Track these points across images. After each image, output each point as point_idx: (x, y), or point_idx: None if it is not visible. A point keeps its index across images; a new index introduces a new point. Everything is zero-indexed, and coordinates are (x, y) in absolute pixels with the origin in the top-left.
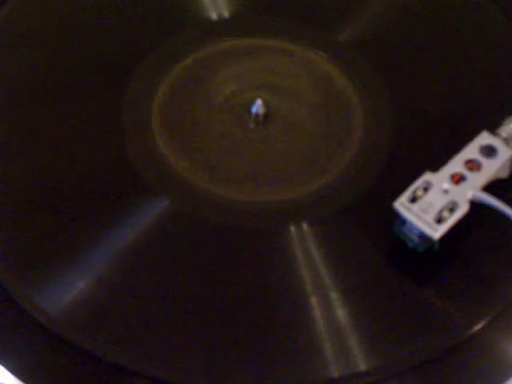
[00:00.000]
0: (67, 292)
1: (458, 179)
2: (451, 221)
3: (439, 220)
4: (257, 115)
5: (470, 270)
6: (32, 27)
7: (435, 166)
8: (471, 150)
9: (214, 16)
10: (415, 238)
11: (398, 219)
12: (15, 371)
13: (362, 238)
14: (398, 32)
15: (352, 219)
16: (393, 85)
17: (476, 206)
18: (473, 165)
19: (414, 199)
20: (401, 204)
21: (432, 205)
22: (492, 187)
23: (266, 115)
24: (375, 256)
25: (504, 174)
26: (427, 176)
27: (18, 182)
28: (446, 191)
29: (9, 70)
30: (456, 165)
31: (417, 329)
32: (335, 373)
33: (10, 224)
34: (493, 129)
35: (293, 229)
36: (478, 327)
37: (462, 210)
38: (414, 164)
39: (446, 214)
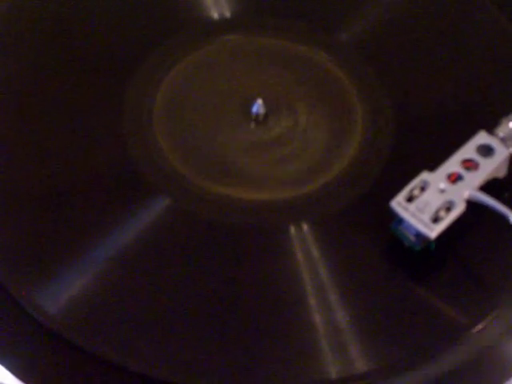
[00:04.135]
0: (67, 291)
1: (454, 179)
2: (448, 220)
3: (436, 219)
4: (257, 115)
5: (469, 270)
6: (32, 27)
7: (433, 166)
8: (468, 150)
9: (214, 16)
10: (412, 238)
11: (395, 218)
12: (15, 371)
13: (361, 238)
14: (398, 32)
15: (352, 219)
16: (392, 85)
17: (473, 206)
18: (470, 164)
19: (410, 198)
20: (398, 203)
21: (429, 204)
22: (489, 187)
23: (266, 115)
24: (375, 257)
25: (501, 174)
26: (424, 175)
27: (17, 182)
28: (442, 191)
29: (9, 70)
30: (453, 164)
31: (416, 329)
32: (333, 374)
33: (10, 224)
34: (490, 128)
35: (293, 229)
36: (477, 327)
37: (459, 209)
38: (414, 164)
39: (442, 213)
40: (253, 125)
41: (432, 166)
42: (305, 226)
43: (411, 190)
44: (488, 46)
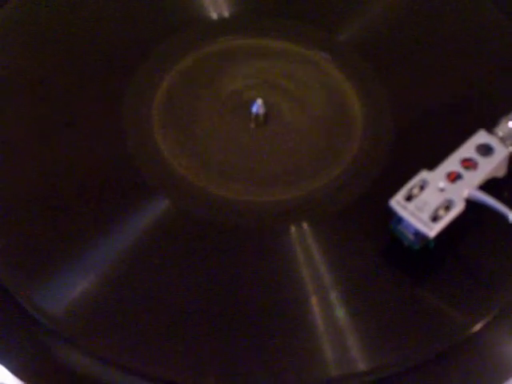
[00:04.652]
0: (67, 292)
1: (454, 178)
2: (447, 219)
3: (435, 218)
4: (257, 115)
5: (469, 270)
6: (32, 27)
7: (433, 165)
8: (468, 149)
9: (214, 16)
10: (411, 236)
11: (394, 217)
12: (15, 371)
13: (361, 238)
14: (397, 32)
15: (352, 219)
16: (392, 84)
17: (473, 205)
18: (469, 163)
19: (409, 197)
20: (397, 202)
21: (428, 203)
22: (489, 186)
23: (266, 115)
24: (375, 256)
25: (500, 173)
26: (423, 174)
27: (18, 182)
28: (441, 190)
29: (9, 70)
30: (452, 163)
31: (416, 329)
32: (334, 373)
33: (11, 224)
34: (489, 128)
35: (293, 229)
36: (477, 327)
37: (458, 208)
38: (414, 163)
39: (441, 212)
40: (253, 125)
41: (432, 166)
42: (305, 226)
43: (410, 189)
44: (488, 45)
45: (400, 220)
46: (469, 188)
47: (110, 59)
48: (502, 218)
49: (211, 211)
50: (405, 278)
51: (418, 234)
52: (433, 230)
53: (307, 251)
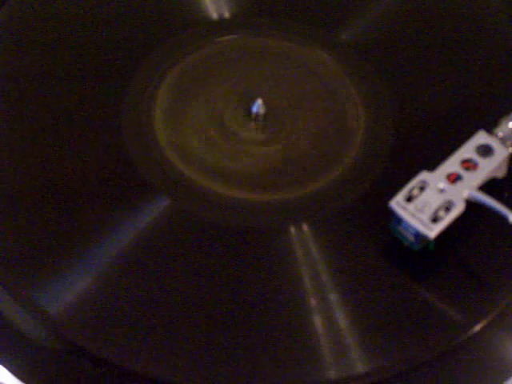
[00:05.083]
0: (68, 292)
1: (454, 179)
2: (447, 220)
3: (435, 219)
4: (257, 115)
5: (469, 270)
6: (32, 27)
7: (433, 166)
8: (468, 150)
9: (214, 16)
10: (411, 237)
11: (393, 218)
12: (15, 371)
13: (361, 238)
14: (398, 32)
15: (352, 219)
16: (392, 85)
17: (473, 206)
18: (469, 164)
19: (409, 198)
20: (397, 203)
21: (428, 204)
22: (489, 187)
23: (266, 115)
24: (376, 257)
25: (500, 174)
26: (423, 175)
27: (18, 182)
28: (442, 190)
29: (8, 70)
30: (452, 164)
31: (416, 329)
32: (333, 374)
33: (11, 224)
34: (490, 128)
35: (293, 229)
36: (478, 327)
37: (458, 209)
38: (414, 164)
39: (441, 213)
40: (253, 125)
41: (432, 166)
42: (305, 226)
43: (410, 190)
44: (488, 46)
45: (400, 221)
46: (469, 189)
47: (111, 59)
48: (502, 218)
49: (211, 211)
50: (405, 279)
51: (418, 235)
52: (433, 231)
53: (307, 252)
